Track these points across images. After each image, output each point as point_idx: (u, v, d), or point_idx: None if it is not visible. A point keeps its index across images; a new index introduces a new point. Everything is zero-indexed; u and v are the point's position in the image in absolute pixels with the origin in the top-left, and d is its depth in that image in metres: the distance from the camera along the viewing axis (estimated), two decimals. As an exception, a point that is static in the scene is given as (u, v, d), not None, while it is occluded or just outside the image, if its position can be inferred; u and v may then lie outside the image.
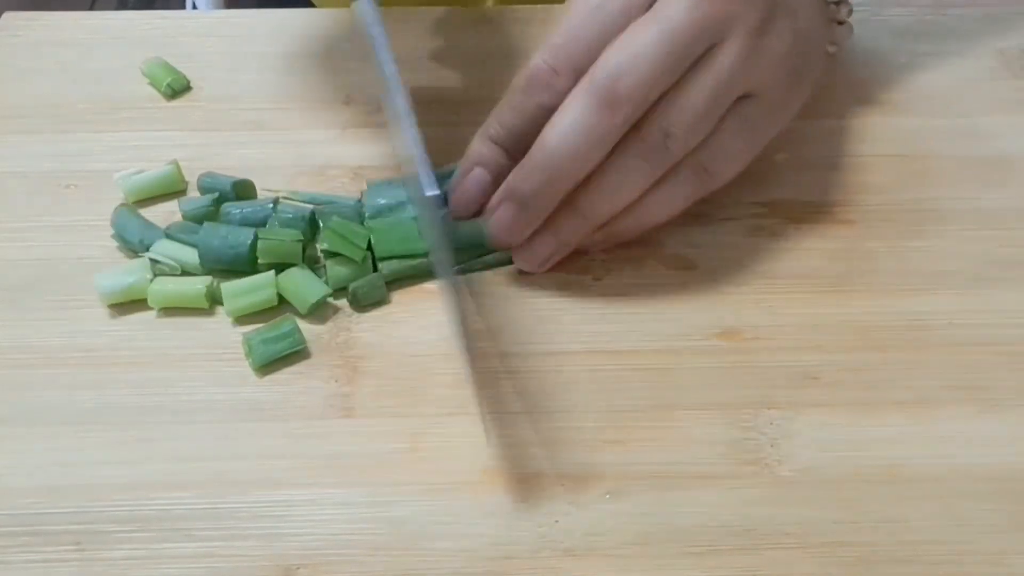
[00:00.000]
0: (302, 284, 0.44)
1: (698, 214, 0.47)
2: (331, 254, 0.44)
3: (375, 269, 0.45)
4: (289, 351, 0.42)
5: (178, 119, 0.53)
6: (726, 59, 0.42)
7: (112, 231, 0.46)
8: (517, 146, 0.44)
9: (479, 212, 0.45)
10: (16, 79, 0.55)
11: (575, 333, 0.43)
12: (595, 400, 0.41)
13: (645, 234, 0.46)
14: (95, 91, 0.54)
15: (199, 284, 0.44)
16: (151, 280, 0.44)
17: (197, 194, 0.48)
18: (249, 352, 0.42)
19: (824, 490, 0.38)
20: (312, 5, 0.67)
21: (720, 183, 0.45)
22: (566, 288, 0.45)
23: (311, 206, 0.47)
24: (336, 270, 0.44)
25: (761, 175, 0.49)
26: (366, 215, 0.46)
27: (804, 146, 0.51)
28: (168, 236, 0.46)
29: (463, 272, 0.45)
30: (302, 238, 0.44)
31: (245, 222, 0.46)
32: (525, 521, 0.37)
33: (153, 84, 0.54)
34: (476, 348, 0.40)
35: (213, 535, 0.37)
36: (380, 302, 0.44)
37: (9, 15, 0.59)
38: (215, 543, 0.37)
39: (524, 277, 0.45)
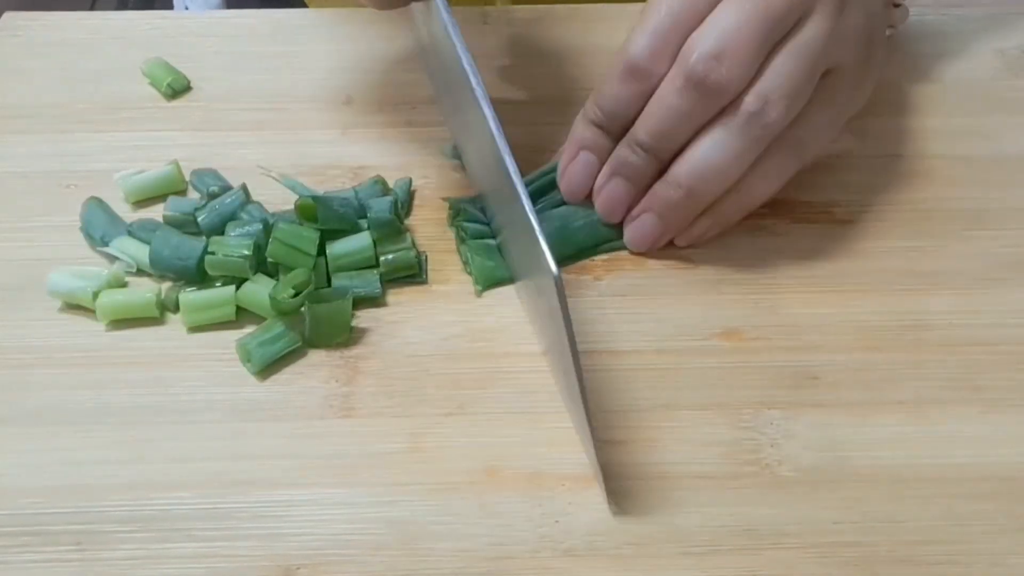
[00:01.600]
0: (261, 299, 0.43)
1: (698, 214, 0.47)
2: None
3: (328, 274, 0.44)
4: (287, 350, 0.42)
5: (178, 119, 0.53)
6: (814, 33, 0.42)
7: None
8: (619, 128, 0.44)
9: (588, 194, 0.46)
10: (16, 79, 0.55)
11: (576, 333, 0.43)
12: (596, 400, 0.41)
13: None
14: (95, 91, 0.54)
15: (148, 294, 0.43)
16: (95, 293, 0.43)
17: (195, 195, 0.48)
18: (248, 357, 0.42)
19: (824, 490, 0.38)
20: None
21: (811, 157, 0.45)
22: (567, 288, 0.45)
23: (268, 213, 0.47)
24: (287, 277, 0.43)
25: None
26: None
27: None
28: (130, 233, 0.46)
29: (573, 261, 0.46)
30: (249, 254, 0.43)
31: (206, 228, 0.46)
32: (525, 521, 0.37)
33: (153, 84, 0.54)
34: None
35: (213, 535, 0.37)
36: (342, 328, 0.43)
37: (9, 15, 0.59)
38: (215, 543, 0.37)
39: (524, 277, 0.45)
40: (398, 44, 0.57)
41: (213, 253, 0.43)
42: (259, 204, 0.47)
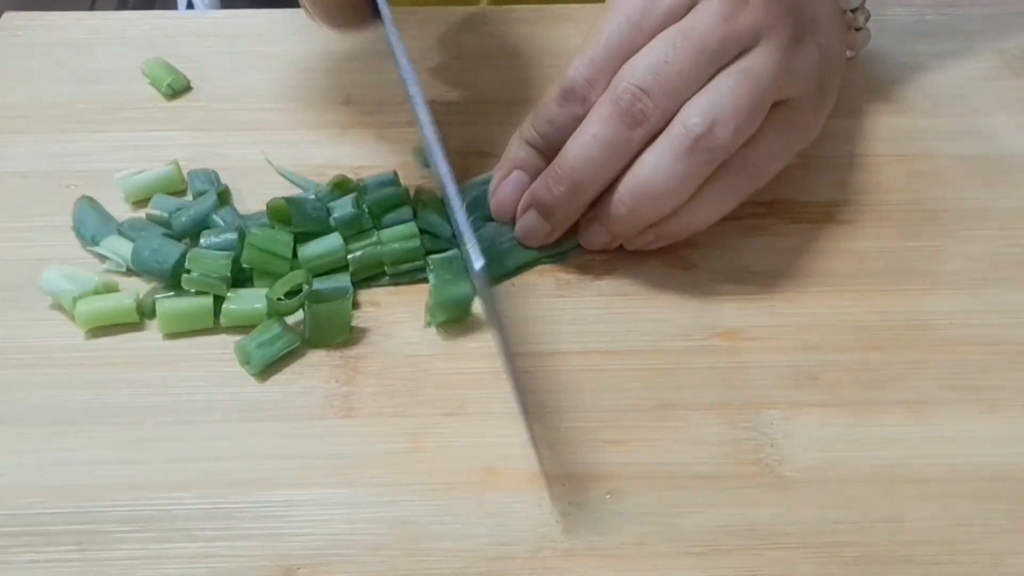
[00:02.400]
0: (245, 312, 0.43)
1: (698, 214, 0.47)
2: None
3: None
4: (286, 350, 0.42)
5: (178, 119, 0.53)
6: (761, 62, 0.42)
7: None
8: (552, 149, 0.44)
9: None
10: (16, 79, 0.55)
11: (575, 333, 0.43)
12: (595, 400, 0.41)
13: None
14: (95, 91, 0.54)
15: (127, 300, 0.43)
16: (75, 299, 0.43)
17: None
18: (247, 359, 0.42)
19: (824, 490, 0.38)
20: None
21: (763, 182, 0.45)
22: (566, 288, 0.45)
23: (241, 216, 0.46)
24: (284, 279, 0.43)
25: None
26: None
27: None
28: (120, 233, 0.46)
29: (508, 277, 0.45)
30: (228, 275, 0.43)
31: (178, 233, 0.46)
32: (525, 521, 0.37)
33: (153, 84, 0.54)
34: (514, 354, 0.40)
35: (213, 535, 0.37)
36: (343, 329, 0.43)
37: (9, 15, 0.59)
38: (215, 543, 0.37)
39: (524, 276, 0.45)
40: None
41: (189, 271, 0.43)
42: (232, 207, 0.47)
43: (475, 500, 0.38)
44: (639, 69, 0.41)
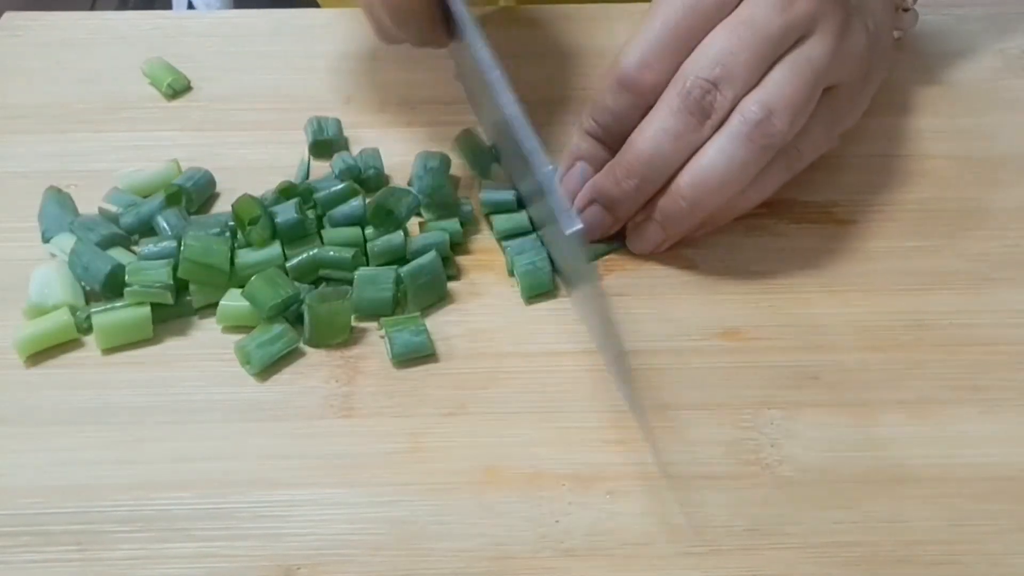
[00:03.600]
0: (241, 312, 0.43)
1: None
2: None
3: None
4: (286, 350, 0.42)
5: (178, 119, 0.53)
6: (816, 51, 0.42)
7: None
8: (614, 139, 0.44)
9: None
10: (16, 79, 0.55)
11: (575, 333, 0.43)
12: (595, 400, 0.41)
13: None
14: (95, 91, 0.54)
15: (64, 316, 0.42)
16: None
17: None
18: (247, 359, 0.42)
19: (824, 490, 0.38)
20: (316, 4, 0.67)
21: (804, 166, 0.45)
22: (566, 288, 0.45)
23: (186, 219, 0.46)
24: (200, 289, 0.43)
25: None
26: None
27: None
28: (71, 230, 0.45)
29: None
30: (170, 282, 0.42)
31: (126, 230, 0.46)
32: (525, 521, 0.37)
33: (153, 84, 0.54)
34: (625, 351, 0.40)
35: (213, 535, 0.37)
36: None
37: (9, 15, 0.59)
38: (215, 543, 0.37)
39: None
40: (397, 44, 0.57)
41: (130, 284, 0.42)
42: (181, 209, 0.46)
43: (475, 500, 0.38)
44: (706, 61, 0.41)
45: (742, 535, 0.37)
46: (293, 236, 0.45)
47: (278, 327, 0.42)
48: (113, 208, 0.47)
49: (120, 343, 0.42)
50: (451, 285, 0.45)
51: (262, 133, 0.52)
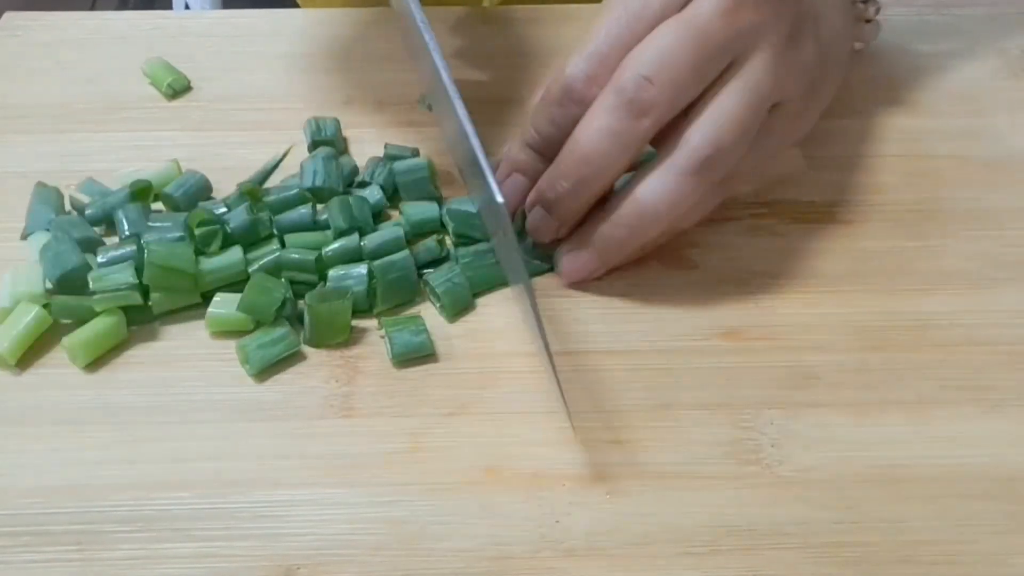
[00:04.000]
0: (230, 318, 0.42)
1: (698, 214, 0.47)
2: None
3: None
4: (286, 353, 0.42)
5: (178, 119, 0.53)
6: (761, 68, 0.41)
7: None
8: (553, 151, 0.43)
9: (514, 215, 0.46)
10: (16, 79, 0.55)
11: (576, 333, 0.43)
12: (595, 400, 0.41)
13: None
14: (95, 91, 0.54)
15: (29, 315, 0.42)
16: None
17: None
18: (246, 359, 0.42)
19: (824, 490, 0.38)
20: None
21: (736, 192, 0.45)
22: (566, 288, 0.45)
23: (149, 214, 0.46)
24: (164, 295, 0.43)
25: (761, 175, 0.49)
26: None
27: (805, 146, 0.50)
28: (48, 229, 0.46)
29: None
30: (134, 281, 0.42)
31: (90, 221, 0.46)
32: (525, 521, 0.37)
33: (153, 84, 0.54)
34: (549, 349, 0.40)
35: (213, 535, 0.37)
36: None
37: (9, 15, 0.59)
38: (215, 543, 0.37)
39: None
40: (397, 44, 0.57)
41: (96, 292, 0.42)
42: (144, 206, 0.46)
43: (475, 500, 0.38)
44: (643, 59, 0.41)
45: (742, 535, 0.37)
46: (249, 239, 0.44)
47: (281, 329, 0.42)
48: (84, 198, 0.47)
49: (98, 355, 0.42)
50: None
51: (262, 133, 0.52)
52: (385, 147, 0.50)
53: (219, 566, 0.36)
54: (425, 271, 0.45)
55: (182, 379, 0.42)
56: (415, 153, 0.50)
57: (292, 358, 0.42)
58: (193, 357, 0.42)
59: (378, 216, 0.47)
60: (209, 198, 0.48)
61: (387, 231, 0.45)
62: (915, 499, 0.38)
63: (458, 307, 0.44)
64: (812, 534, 0.37)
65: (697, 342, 0.43)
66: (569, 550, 0.36)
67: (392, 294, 0.44)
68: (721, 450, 0.39)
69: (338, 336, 0.43)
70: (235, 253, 0.44)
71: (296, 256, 0.44)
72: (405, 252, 0.44)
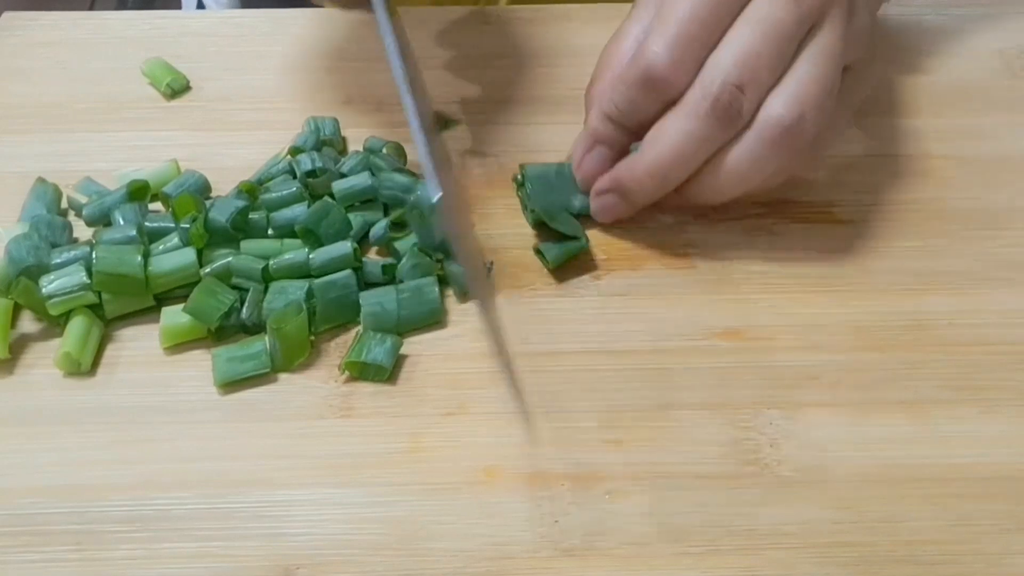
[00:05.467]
0: (86, 343, 0.42)
1: (698, 214, 0.47)
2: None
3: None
4: (253, 373, 0.41)
5: (178, 119, 0.53)
6: (832, 39, 0.42)
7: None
8: (634, 124, 0.44)
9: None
10: (16, 79, 0.55)
11: (575, 333, 0.43)
12: (595, 400, 0.41)
13: (644, 233, 0.47)
14: (95, 91, 0.54)
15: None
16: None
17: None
18: (213, 367, 0.41)
19: (824, 490, 0.38)
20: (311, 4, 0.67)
21: (823, 152, 0.46)
22: (566, 288, 0.45)
23: (146, 214, 0.46)
24: (115, 299, 0.43)
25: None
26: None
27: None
28: (24, 220, 0.46)
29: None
30: (87, 281, 0.42)
31: (87, 221, 0.46)
32: (525, 521, 0.37)
33: (153, 84, 0.54)
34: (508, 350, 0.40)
35: (213, 535, 0.37)
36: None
37: (9, 15, 0.59)
38: (215, 543, 0.37)
39: (524, 276, 0.45)
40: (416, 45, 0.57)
41: (50, 297, 0.42)
42: (142, 206, 0.46)
43: (475, 500, 0.38)
44: (730, 63, 0.41)
45: (742, 535, 0.37)
46: (220, 238, 0.44)
47: (258, 345, 0.41)
48: (82, 198, 0.47)
49: (92, 355, 0.42)
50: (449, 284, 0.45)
51: (262, 133, 0.52)
52: (367, 140, 0.50)
53: (219, 566, 0.36)
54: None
55: (182, 379, 0.42)
56: (398, 150, 0.49)
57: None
58: (193, 357, 0.42)
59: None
60: (208, 198, 0.48)
61: (335, 247, 0.44)
62: (915, 499, 0.38)
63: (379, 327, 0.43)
64: (812, 534, 0.37)
65: (696, 342, 0.43)
66: (568, 550, 0.36)
67: (332, 314, 0.43)
68: (720, 450, 0.39)
69: (304, 352, 0.42)
70: (187, 255, 0.43)
71: (245, 263, 0.43)
72: (348, 272, 0.43)
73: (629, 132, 0.45)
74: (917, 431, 0.40)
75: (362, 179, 0.46)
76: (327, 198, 0.46)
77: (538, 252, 0.46)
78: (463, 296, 0.44)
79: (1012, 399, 0.41)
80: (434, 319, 0.43)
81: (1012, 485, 0.38)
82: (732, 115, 0.41)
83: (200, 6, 0.75)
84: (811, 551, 0.36)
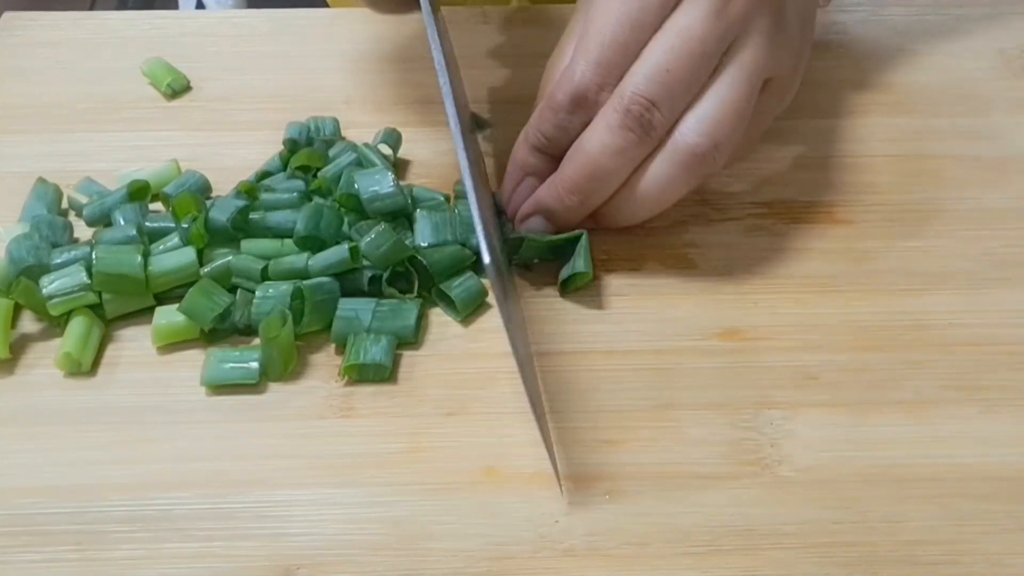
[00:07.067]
0: (87, 343, 0.42)
1: (698, 214, 0.47)
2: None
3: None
4: (240, 381, 0.41)
5: (178, 119, 0.53)
6: (752, 56, 0.42)
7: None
8: (560, 152, 0.44)
9: None
10: (16, 79, 0.55)
11: (575, 333, 0.43)
12: (595, 400, 0.41)
13: (644, 233, 0.47)
14: (95, 91, 0.54)
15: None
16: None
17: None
18: (204, 364, 0.41)
19: (824, 490, 0.38)
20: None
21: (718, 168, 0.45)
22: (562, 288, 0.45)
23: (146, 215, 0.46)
24: (115, 299, 0.43)
25: (761, 175, 0.49)
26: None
27: (804, 146, 0.51)
28: (24, 220, 0.46)
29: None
30: (88, 281, 0.42)
31: (87, 221, 0.46)
32: (525, 521, 0.37)
33: (153, 84, 0.54)
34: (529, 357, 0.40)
35: (213, 535, 0.37)
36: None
37: (9, 15, 0.59)
38: (215, 543, 0.37)
39: (524, 276, 0.45)
40: (397, 44, 0.57)
41: (51, 297, 0.42)
42: (143, 206, 0.46)
43: (475, 500, 0.38)
44: (643, 78, 0.41)
45: (742, 535, 0.37)
46: (221, 238, 0.44)
47: (253, 357, 0.41)
48: (82, 198, 0.47)
49: (93, 353, 0.42)
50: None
51: (262, 133, 0.52)
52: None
53: (219, 566, 0.36)
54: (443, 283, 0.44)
55: (182, 379, 0.42)
56: (394, 135, 0.49)
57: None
58: (193, 357, 0.42)
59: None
60: (208, 198, 0.48)
61: (333, 252, 0.43)
62: (915, 499, 0.38)
63: (470, 309, 0.44)
64: (812, 534, 0.37)
65: (697, 342, 0.43)
66: (568, 550, 0.36)
67: (318, 317, 0.42)
68: (720, 450, 0.39)
69: (294, 360, 0.42)
70: (187, 254, 0.43)
71: (245, 263, 0.43)
72: (330, 278, 0.43)
73: (554, 159, 0.44)
74: (917, 431, 0.40)
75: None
76: (319, 200, 0.45)
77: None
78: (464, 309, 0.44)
79: (1012, 399, 0.41)
80: (404, 339, 0.42)
81: (1012, 485, 0.38)
82: (644, 126, 0.41)
83: (200, 6, 0.75)
84: (811, 551, 0.36)
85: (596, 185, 0.43)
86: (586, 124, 0.43)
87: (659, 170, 0.42)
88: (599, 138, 0.42)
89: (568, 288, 0.45)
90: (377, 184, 0.45)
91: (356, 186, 0.45)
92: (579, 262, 0.44)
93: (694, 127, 0.42)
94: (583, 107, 0.43)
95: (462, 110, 0.44)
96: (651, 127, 0.41)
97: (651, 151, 0.42)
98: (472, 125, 0.51)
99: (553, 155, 0.44)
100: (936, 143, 0.52)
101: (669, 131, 0.42)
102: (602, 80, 0.42)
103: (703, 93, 0.42)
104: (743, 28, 0.42)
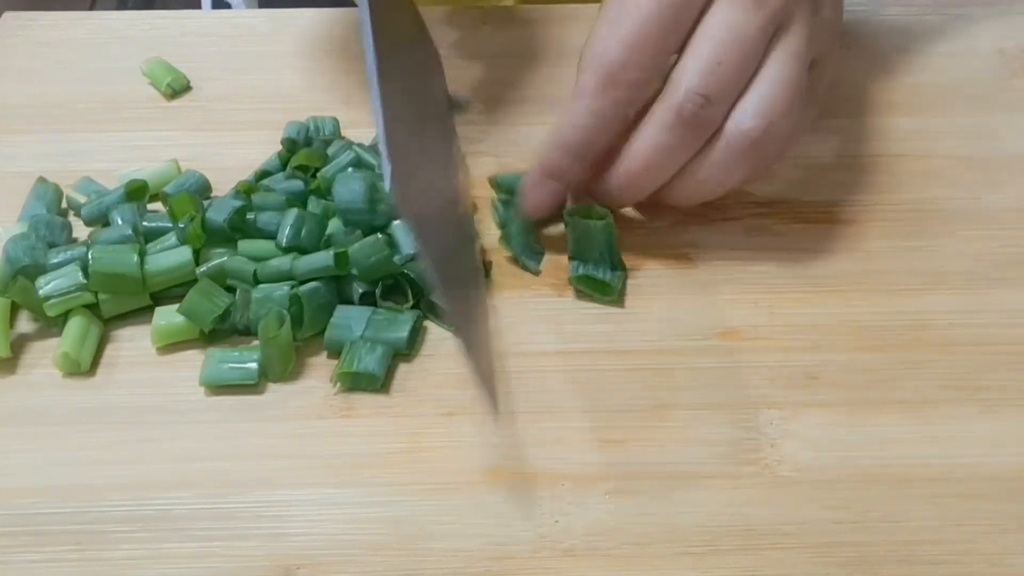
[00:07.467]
0: (85, 343, 0.42)
1: (698, 214, 0.47)
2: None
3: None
4: (239, 382, 0.41)
5: (178, 119, 0.53)
6: (798, 42, 0.42)
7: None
8: (590, 150, 0.43)
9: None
10: (16, 79, 0.55)
11: (575, 333, 0.43)
12: (595, 400, 0.41)
13: (644, 233, 0.47)
14: (95, 91, 0.54)
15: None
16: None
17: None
18: (203, 365, 0.41)
19: (824, 490, 0.38)
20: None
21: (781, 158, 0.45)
22: (566, 288, 0.45)
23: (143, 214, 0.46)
24: (112, 299, 0.42)
25: (761, 175, 0.49)
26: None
27: (804, 146, 0.51)
28: (23, 219, 0.46)
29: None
30: (84, 282, 0.42)
31: (85, 220, 0.46)
32: (525, 521, 0.37)
33: (153, 84, 0.54)
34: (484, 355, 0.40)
35: (213, 535, 0.37)
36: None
37: (9, 15, 0.59)
38: (215, 543, 0.37)
39: (524, 276, 0.45)
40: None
41: (48, 298, 0.42)
42: (140, 205, 0.46)
43: (475, 500, 0.38)
44: (695, 73, 0.41)
45: (742, 535, 0.37)
46: (218, 239, 0.44)
47: (252, 359, 0.41)
48: (80, 198, 0.47)
49: (92, 352, 0.42)
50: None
51: (262, 133, 0.52)
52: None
53: (219, 566, 0.36)
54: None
55: (182, 379, 0.42)
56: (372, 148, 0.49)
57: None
58: (193, 357, 0.42)
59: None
60: (208, 198, 0.48)
61: (318, 257, 0.43)
62: (915, 499, 0.38)
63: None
64: (812, 534, 0.37)
65: (697, 342, 0.43)
66: (568, 550, 0.36)
67: (316, 322, 0.42)
68: (721, 450, 0.39)
69: (292, 360, 0.42)
70: (183, 253, 0.43)
71: (238, 264, 0.43)
72: (327, 282, 0.43)
73: (583, 158, 0.43)
74: (917, 431, 0.40)
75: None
76: (301, 209, 0.45)
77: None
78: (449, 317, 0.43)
79: (1012, 399, 0.41)
80: (398, 349, 0.42)
81: (1012, 485, 0.38)
82: (699, 124, 0.41)
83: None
84: (811, 551, 0.36)
85: (650, 181, 0.43)
86: (622, 106, 0.42)
87: (716, 158, 0.42)
88: (651, 137, 0.42)
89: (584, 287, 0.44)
90: (351, 195, 0.44)
91: (333, 193, 0.45)
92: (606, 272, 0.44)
93: (747, 113, 0.41)
94: (613, 86, 0.41)
95: (413, 104, 0.43)
96: (706, 123, 0.41)
97: (706, 142, 0.42)
98: (449, 109, 0.51)
99: (582, 156, 0.43)
100: (936, 143, 0.52)
101: (722, 122, 0.42)
102: (632, 56, 0.41)
103: (753, 82, 0.42)
104: (785, 15, 0.42)
